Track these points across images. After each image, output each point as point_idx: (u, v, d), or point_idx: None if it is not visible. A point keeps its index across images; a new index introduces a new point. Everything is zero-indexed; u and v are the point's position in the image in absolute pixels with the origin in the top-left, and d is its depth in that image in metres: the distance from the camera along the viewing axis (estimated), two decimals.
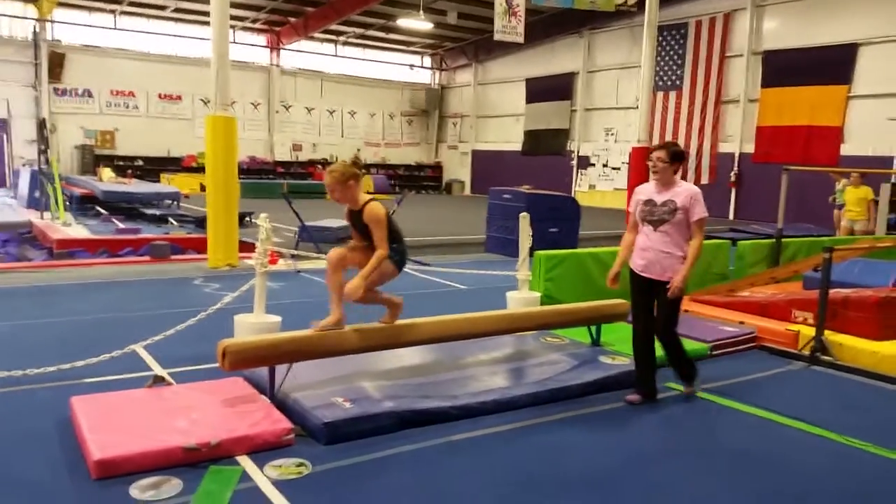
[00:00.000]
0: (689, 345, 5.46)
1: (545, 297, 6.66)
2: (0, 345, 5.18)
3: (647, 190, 4.45)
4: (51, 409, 3.92)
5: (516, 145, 27.12)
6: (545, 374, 4.68)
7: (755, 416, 4.29)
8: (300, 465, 3.32)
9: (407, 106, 30.66)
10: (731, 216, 20.06)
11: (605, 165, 24.50)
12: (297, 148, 28.26)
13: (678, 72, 21.47)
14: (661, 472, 3.48)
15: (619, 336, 5.59)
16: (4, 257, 10.09)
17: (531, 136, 26.80)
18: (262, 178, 24.92)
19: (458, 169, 30.70)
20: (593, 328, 5.39)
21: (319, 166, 28.10)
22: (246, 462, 3.32)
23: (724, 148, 20.66)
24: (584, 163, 25.08)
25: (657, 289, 4.33)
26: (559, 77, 25.51)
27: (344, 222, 13.41)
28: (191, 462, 3.25)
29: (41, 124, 17.69)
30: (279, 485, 3.13)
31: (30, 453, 3.38)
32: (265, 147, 27.42)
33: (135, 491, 3.01)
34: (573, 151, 25.26)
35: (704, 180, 20.87)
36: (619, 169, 23.72)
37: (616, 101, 23.86)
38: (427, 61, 31.10)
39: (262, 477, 3.19)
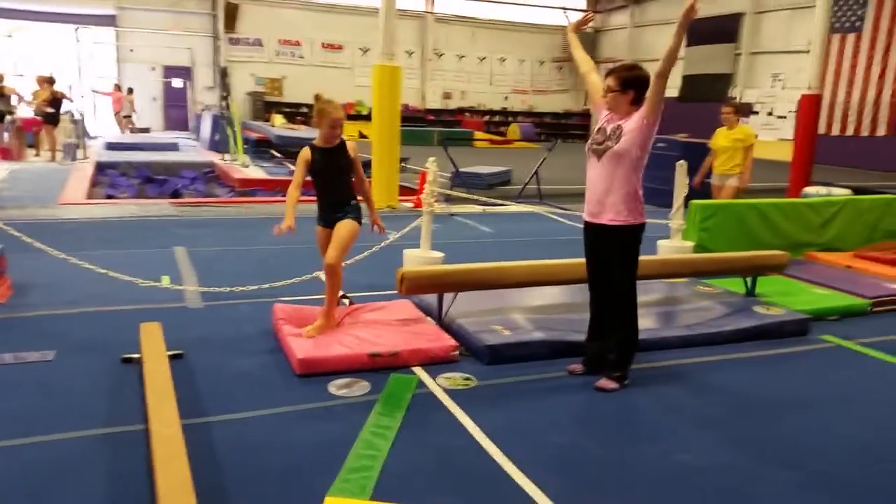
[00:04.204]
0: (848, 300, 5.37)
1: (698, 246, 6.63)
2: (208, 266, 6.05)
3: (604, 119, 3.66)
4: (253, 319, 4.61)
5: (672, 91, 25.95)
6: (696, 318, 4.79)
7: None
8: (467, 379, 3.77)
9: (558, 52, 30.12)
10: None
11: (769, 114, 22.98)
12: (447, 96, 28.78)
13: (859, 12, 19.53)
14: (820, 416, 3.57)
15: (777, 289, 5.55)
16: (194, 193, 11.40)
17: (689, 82, 25.54)
18: (413, 125, 25.72)
19: None
20: (748, 279, 5.39)
21: (468, 114, 28.56)
22: (420, 373, 3.82)
23: None
24: (747, 110, 23.65)
25: (602, 237, 3.56)
26: (724, 18, 23.94)
27: (495, 169, 13.59)
28: (375, 367, 3.79)
29: (223, 72, 19.24)
30: (450, 393, 3.59)
31: (242, 353, 4.04)
32: (417, 95, 28.12)
33: (332, 388, 3.57)
34: (735, 98, 23.87)
35: (881, 132, 19.10)
36: (785, 118, 22.18)
37: (787, 44, 22.17)
38: (581, 3, 30.27)
39: (435, 385, 3.67)
